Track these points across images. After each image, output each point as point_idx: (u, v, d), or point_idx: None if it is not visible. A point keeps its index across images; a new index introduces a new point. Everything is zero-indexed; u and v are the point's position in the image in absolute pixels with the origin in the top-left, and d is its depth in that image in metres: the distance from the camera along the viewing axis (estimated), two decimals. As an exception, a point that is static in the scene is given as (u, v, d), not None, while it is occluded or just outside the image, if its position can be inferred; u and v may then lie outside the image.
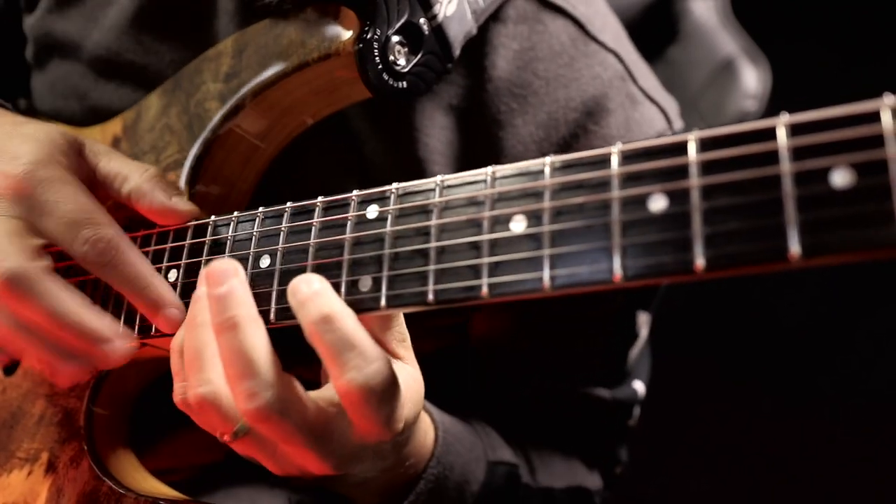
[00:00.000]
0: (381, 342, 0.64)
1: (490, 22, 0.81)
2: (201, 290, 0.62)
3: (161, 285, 0.69)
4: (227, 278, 0.59)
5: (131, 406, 0.79)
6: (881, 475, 1.67)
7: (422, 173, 0.80)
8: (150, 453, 0.80)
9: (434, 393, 0.76)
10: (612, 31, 0.89)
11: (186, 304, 0.69)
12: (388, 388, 0.57)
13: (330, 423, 0.59)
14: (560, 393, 0.92)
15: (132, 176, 0.73)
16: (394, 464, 0.67)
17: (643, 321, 0.93)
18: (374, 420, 0.57)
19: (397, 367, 0.63)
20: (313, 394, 0.60)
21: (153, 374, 0.79)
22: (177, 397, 0.63)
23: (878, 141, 0.43)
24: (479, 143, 0.82)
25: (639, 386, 0.95)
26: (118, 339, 0.68)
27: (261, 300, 0.63)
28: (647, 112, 0.87)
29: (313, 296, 0.56)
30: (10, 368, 0.81)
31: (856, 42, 1.81)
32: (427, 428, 0.72)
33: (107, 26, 0.86)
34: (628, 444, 0.99)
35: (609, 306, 0.89)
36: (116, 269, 0.68)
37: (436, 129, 0.81)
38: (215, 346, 0.59)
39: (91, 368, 0.70)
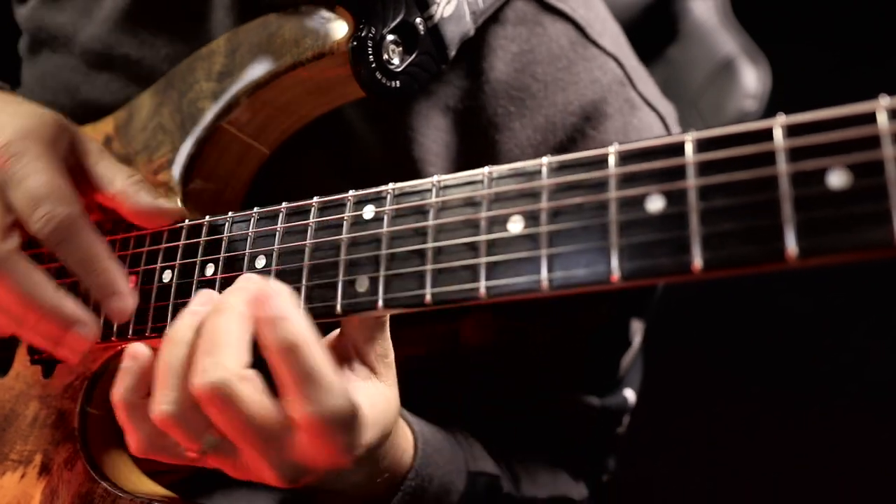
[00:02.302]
0: (361, 354, 0.63)
1: (489, 23, 0.80)
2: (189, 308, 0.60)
3: (116, 271, 0.68)
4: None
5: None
6: (880, 477, 1.67)
7: (418, 173, 0.80)
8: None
9: (423, 399, 0.75)
10: (612, 36, 0.89)
11: (178, 306, 0.68)
12: (348, 421, 0.55)
13: (282, 432, 0.56)
14: (549, 400, 0.91)
15: (117, 179, 0.72)
16: (367, 479, 0.67)
17: (636, 328, 0.92)
18: (330, 449, 0.55)
19: (369, 385, 0.62)
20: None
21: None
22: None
23: (874, 142, 0.43)
24: (476, 146, 0.82)
25: (629, 394, 0.94)
26: (84, 325, 0.67)
27: None
28: (645, 118, 0.87)
29: (280, 320, 0.54)
30: (2, 370, 0.80)
31: (855, 43, 1.81)
32: (405, 440, 0.70)
33: (101, 18, 0.85)
34: (621, 448, 0.98)
35: (602, 313, 0.88)
36: (70, 248, 0.67)
37: (431, 129, 0.80)
38: (185, 363, 0.57)
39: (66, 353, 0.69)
